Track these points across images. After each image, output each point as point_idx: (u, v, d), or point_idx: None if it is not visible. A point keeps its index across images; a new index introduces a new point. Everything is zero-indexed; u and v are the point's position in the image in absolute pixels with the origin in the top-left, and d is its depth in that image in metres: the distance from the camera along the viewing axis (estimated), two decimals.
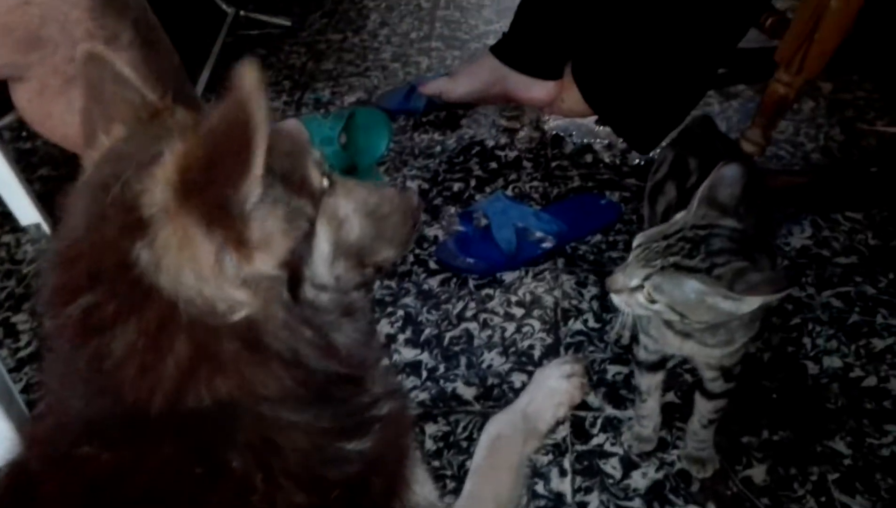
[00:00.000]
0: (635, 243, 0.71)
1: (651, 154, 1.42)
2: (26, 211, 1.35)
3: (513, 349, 1.07)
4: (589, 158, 1.47)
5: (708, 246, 0.66)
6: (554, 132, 1.54)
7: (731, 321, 0.71)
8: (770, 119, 1.20)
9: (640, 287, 0.68)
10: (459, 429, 0.96)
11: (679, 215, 0.71)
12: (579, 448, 0.93)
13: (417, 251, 1.25)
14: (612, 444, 0.93)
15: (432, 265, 1.23)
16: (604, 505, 0.86)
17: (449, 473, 0.90)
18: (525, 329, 1.10)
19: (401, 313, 1.14)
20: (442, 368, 1.05)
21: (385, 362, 0.68)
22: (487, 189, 1.39)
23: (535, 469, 0.90)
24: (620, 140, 1.45)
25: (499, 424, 0.91)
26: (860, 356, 1.02)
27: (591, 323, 1.10)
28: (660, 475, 0.89)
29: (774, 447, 0.91)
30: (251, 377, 0.47)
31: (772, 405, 0.96)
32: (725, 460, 0.89)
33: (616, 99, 1.39)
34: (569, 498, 0.87)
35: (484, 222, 1.23)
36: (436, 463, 0.91)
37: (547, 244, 1.21)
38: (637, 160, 1.44)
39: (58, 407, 0.50)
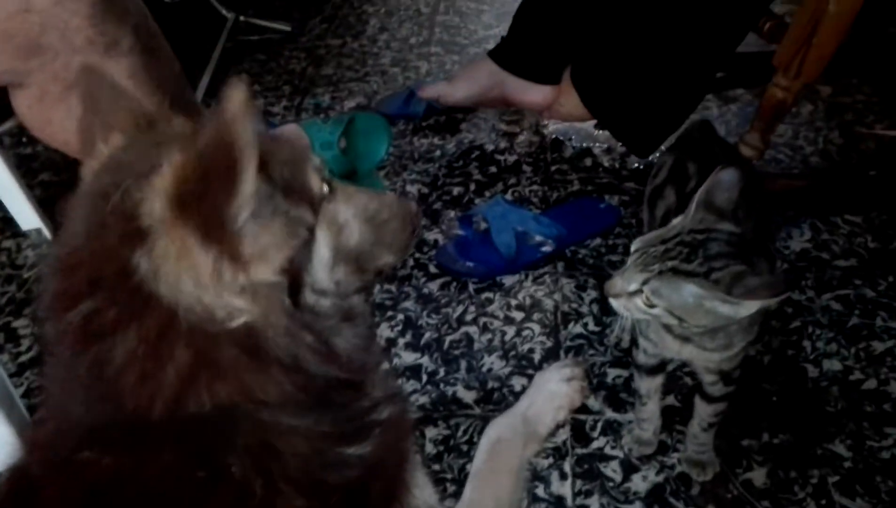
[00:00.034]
0: (633, 247, 0.71)
1: (650, 158, 1.42)
2: (27, 216, 1.35)
3: (513, 353, 1.07)
4: (588, 162, 1.47)
5: (706, 250, 0.66)
6: (553, 136, 1.54)
7: (729, 325, 0.71)
8: (768, 123, 1.21)
9: (638, 292, 0.69)
10: (460, 433, 0.96)
11: (677, 220, 0.71)
12: (579, 451, 0.93)
13: (417, 255, 1.26)
14: (613, 447, 0.93)
15: (432, 269, 1.23)
16: None
17: (449, 477, 0.91)
18: (525, 333, 1.10)
19: (401, 316, 1.14)
20: (442, 372, 1.05)
21: (385, 366, 0.68)
22: (487, 193, 1.40)
23: (535, 473, 0.90)
24: (619, 144, 1.45)
25: (499, 428, 0.92)
26: (860, 359, 1.02)
27: (591, 327, 1.10)
28: (660, 478, 0.89)
29: (775, 450, 0.91)
30: (251, 382, 0.47)
31: (772, 408, 0.96)
32: (726, 463, 0.89)
33: (615, 103, 1.39)
34: (569, 502, 0.87)
35: (484, 226, 1.24)
36: (436, 467, 0.91)
37: (546, 248, 1.21)
38: (636, 164, 1.44)
39: (58, 413, 0.50)
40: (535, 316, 1.13)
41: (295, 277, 0.49)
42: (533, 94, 1.50)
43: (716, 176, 0.69)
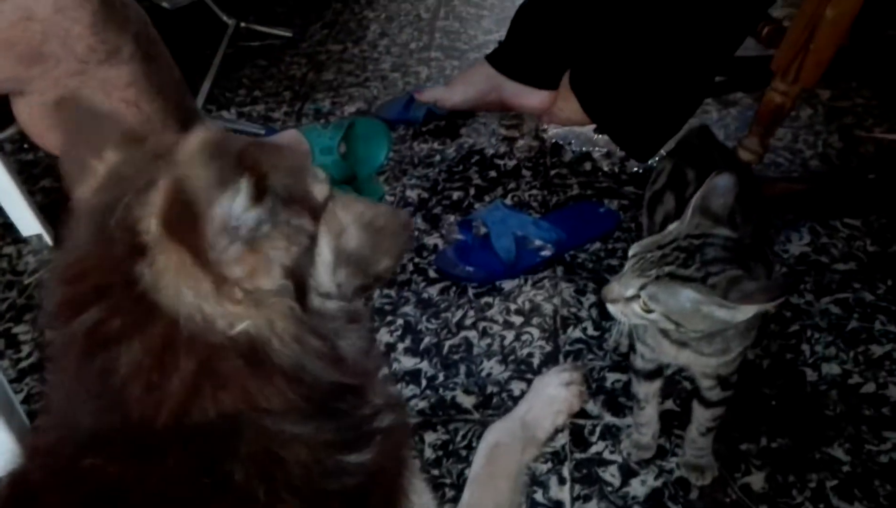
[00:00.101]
0: (631, 252, 0.72)
1: (649, 162, 1.42)
2: (28, 222, 1.36)
3: (512, 358, 1.07)
4: (587, 166, 1.47)
5: (702, 255, 0.66)
6: (553, 141, 1.55)
7: (726, 330, 0.71)
8: (767, 128, 1.21)
9: (635, 297, 0.69)
10: (458, 437, 0.96)
11: (673, 225, 0.71)
12: (578, 455, 0.93)
13: (417, 260, 1.26)
14: (611, 452, 0.93)
15: (432, 274, 1.23)
16: None
17: (448, 481, 0.91)
18: (524, 337, 1.10)
19: (400, 321, 1.14)
20: (441, 376, 1.05)
21: (384, 371, 0.68)
22: (486, 198, 1.40)
23: (533, 478, 0.90)
24: (619, 148, 1.46)
25: (498, 432, 0.92)
26: (859, 363, 1.02)
27: (590, 331, 1.10)
28: (659, 482, 0.89)
29: (773, 454, 0.91)
30: (255, 391, 0.47)
31: (770, 412, 0.97)
32: (724, 467, 0.89)
33: (614, 107, 1.40)
34: (568, 506, 0.87)
35: (483, 230, 1.24)
36: (435, 472, 0.92)
37: (546, 253, 1.22)
38: (635, 168, 1.45)
39: (60, 419, 0.50)
40: (535, 321, 1.13)
41: (300, 281, 0.50)
42: (530, 98, 1.50)
43: (711, 182, 0.69)
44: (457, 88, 1.57)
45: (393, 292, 1.19)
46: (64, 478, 0.47)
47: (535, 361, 1.06)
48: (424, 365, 1.07)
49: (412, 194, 1.42)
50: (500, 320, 1.14)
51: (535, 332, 1.11)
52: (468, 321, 1.14)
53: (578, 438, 0.95)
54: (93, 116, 0.55)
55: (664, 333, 0.75)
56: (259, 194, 0.45)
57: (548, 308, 1.15)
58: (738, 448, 0.92)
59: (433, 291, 1.20)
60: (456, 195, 1.41)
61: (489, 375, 1.05)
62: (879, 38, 1.64)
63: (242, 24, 2.11)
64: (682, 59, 1.32)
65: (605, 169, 1.46)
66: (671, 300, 0.67)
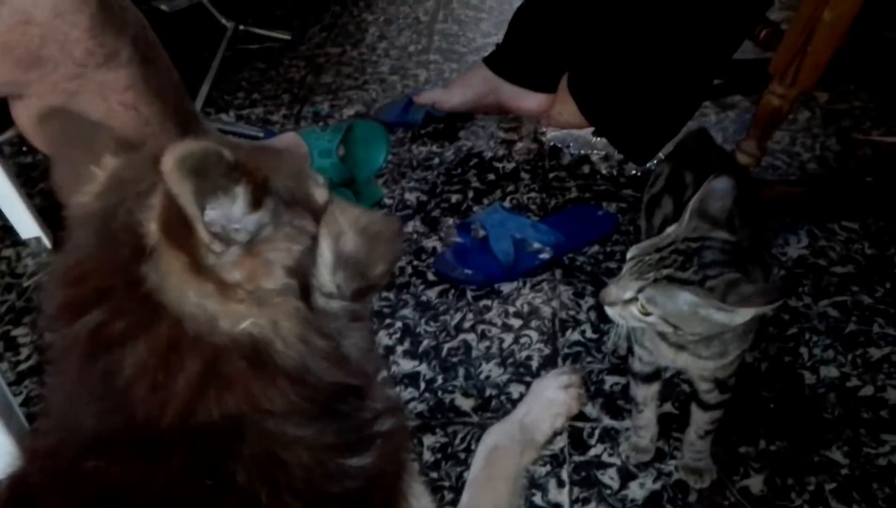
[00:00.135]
0: (629, 255, 0.72)
1: (648, 165, 1.42)
2: (27, 225, 1.36)
3: (511, 360, 1.07)
4: (586, 169, 1.48)
5: (700, 258, 0.67)
6: (551, 144, 1.55)
7: (724, 333, 0.72)
8: (765, 131, 1.21)
9: (633, 300, 0.69)
10: (457, 440, 0.96)
11: (672, 228, 0.71)
12: (577, 458, 0.93)
13: (415, 263, 1.26)
14: (610, 455, 0.93)
15: (430, 277, 1.23)
16: None
17: (447, 484, 0.91)
18: (523, 340, 1.10)
19: (399, 324, 1.14)
20: (440, 379, 1.05)
21: (384, 373, 0.69)
22: (485, 201, 1.40)
23: (532, 480, 0.90)
24: (617, 151, 1.46)
25: (496, 435, 0.92)
26: (857, 366, 1.02)
27: (589, 334, 1.10)
28: (657, 485, 0.89)
29: (772, 457, 0.91)
30: (258, 392, 0.48)
31: (769, 415, 0.97)
32: (723, 470, 0.89)
33: (612, 110, 1.40)
34: None
35: (482, 233, 1.24)
36: (434, 475, 0.92)
37: (544, 255, 1.22)
38: (634, 171, 1.45)
39: (60, 422, 0.50)
40: (533, 323, 1.13)
41: (304, 281, 0.50)
42: (527, 101, 1.51)
43: (709, 185, 0.70)
44: (455, 90, 1.58)
45: (391, 295, 1.19)
46: (65, 480, 0.47)
47: (534, 364, 1.06)
48: (423, 368, 1.07)
49: (411, 197, 1.43)
50: (499, 322, 1.14)
51: (534, 335, 1.11)
52: (467, 324, 1.14)
53: (577, 441, 0.95)
54: (85, 123, 0.55)
55: (662, 336, 0.75)
56: (258, 198, 0.45)
57: (546, 311, 1.15)
58: (736, 451, 0.92)
59: (432, 293, 1.20)
60: (454, 198, 1.42)
61: (488, 378, 1.05)
62: (877, 40, 1.64)
63: (241, 27, 2.12)
64: (679, 63, 1.32)
65: (604, 172, 1.46)
66: (669, 303, 0.67)
